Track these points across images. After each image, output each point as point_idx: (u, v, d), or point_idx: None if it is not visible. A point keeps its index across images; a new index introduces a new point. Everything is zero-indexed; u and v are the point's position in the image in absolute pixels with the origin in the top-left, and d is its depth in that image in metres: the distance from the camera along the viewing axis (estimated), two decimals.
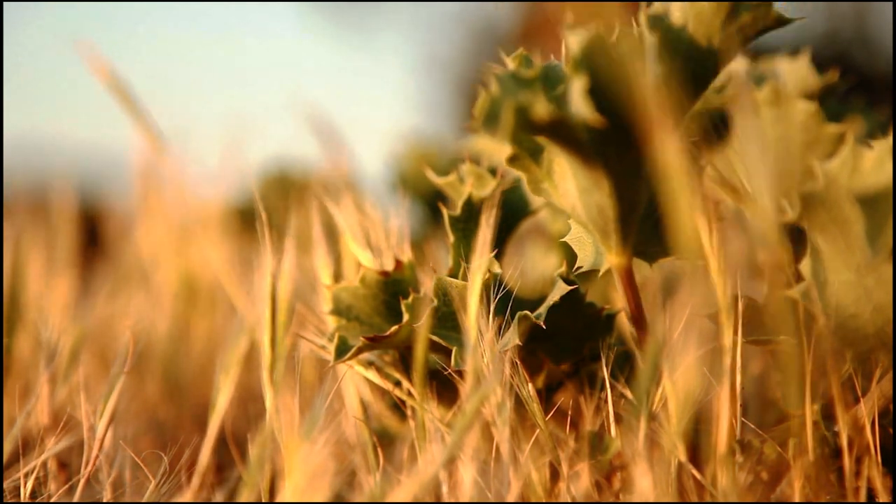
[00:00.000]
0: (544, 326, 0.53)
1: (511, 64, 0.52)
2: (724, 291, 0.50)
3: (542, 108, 0.47)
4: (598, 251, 0.54)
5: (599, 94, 0.48)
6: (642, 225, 0.54)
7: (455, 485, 0.51)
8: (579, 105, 0.47)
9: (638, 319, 0.53)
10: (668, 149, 0.46)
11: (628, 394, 0.55)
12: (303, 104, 0.95)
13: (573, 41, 0.48)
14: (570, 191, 0.52)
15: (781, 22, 0.52)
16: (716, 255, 0.50)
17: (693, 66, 0.51)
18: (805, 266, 0.51)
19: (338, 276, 0.61)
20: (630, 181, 0.51)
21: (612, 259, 0.53)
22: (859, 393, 0.53)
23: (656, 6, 0.51)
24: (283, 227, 0.58)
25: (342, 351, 0.56)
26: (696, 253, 0.49)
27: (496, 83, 0.49)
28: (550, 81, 0.50)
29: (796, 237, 0.53)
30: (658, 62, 0.49)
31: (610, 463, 0.54)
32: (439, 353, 0.57)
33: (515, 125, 0.47)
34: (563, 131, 0.49)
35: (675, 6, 0.51)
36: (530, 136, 0.52)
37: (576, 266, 0.55)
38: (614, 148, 0.50)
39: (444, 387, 0.58)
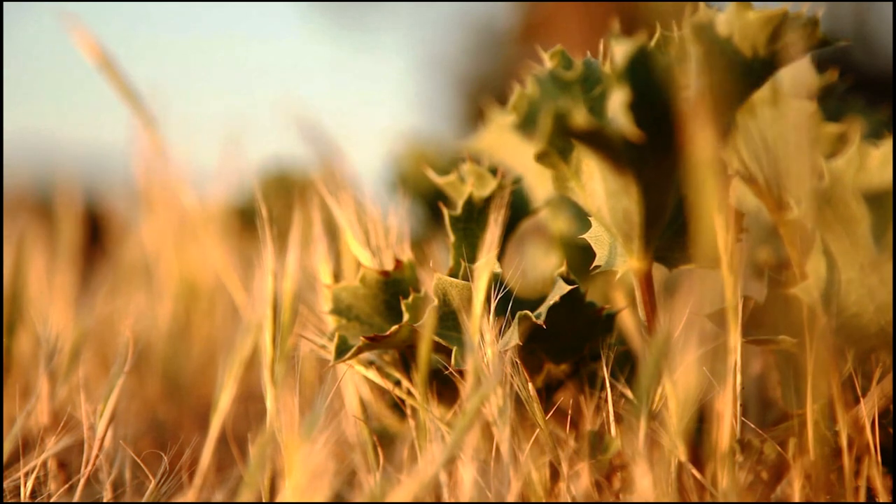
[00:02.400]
0: (544, 326, 0.53)
1: (549, 62, 0.51)
2: (733, 291, 0.50)
3: (581, 117, 0.47)
4: (616, 252, 0.54)
5: (639, 105, 0.47)
6: (665, 231, 0.54)
7: (455, 485, 0.51)
8: (619, 117, 0.47)
9: (652, 324, 0.53)
10: (706, 163, 0.45)
11: (628, 394, 0.55)
12: (296, 107, 0.95)
13: (618, 51, 0.48)
14: (597, 192, 0.52)
15: (825, 43, 0.51)
16: (729, 256, 0.50)
17: (736, 79, 0.51)
18: (810, 265, 0.51)
19: (337, 276, 0.61)
20: (659, 188, 0.51)
21: (632, 263, 0.53)
22: (859, 393, 0.53)
23: (700, 15, 0.50)
24: (284, 226, 0.58)
25: (342, 351, 0.56)
26: (719, 262, 0.49)
27: (534, 83, 0.48)
28: (588, 83, 0.50)
29: (802, 235, 0.53)
30: (701, 75, 0.48)
31: (610, 463, 0.54)
32: (439, 352, 0.57)
33: (553, 131, 0.47)
34: (600, 140, 0.49)
35: (720, 18, 0.50)
36: (564, 137, 0.51)
37: (593, 265, 0.54)
38: (649, 158, 0.49)
39: (445, 386, 0.58)
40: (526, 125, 0.47)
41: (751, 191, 0.57)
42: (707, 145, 0.46)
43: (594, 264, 0.54)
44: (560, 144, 0.52)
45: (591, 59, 0.51)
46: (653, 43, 0.51)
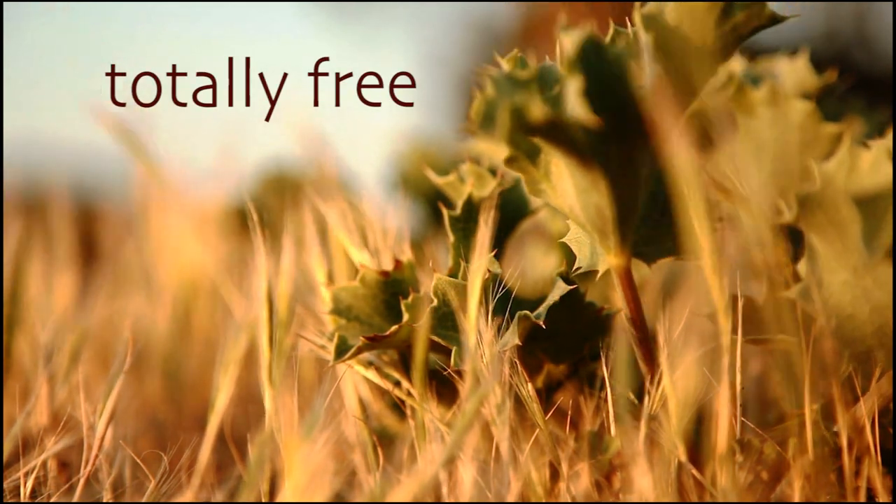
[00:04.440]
0: (544, 326, 0.53)
1: (506, 65, 0.52)
2: (719, 291, 0.50)
3: (537, 109, 0.47)
4: (596, 251, 0.54)
5: (595, 94, 0.48)
6: (641, 225, 0.54)
7: (455, 485, 0.51)
8: (575, 106, 0.47)
9: (636, 320, 0.53)
10: (674, 148, 0.46)
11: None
12: (292, 109, 0.95)
13: (567, 41, 0.48)
14: (567, 191, 0.52)
15: (775, 20, 0.52)
16: (712, 254, 0.50)
17: (689, 65, 0.51)
18: (803, 267, 0.51)
19: (331, 276, 0.61)
20: (627, 181, 0.51)
21: (610, 260, 0.53)
22: (859, 393, 0.53)
23: (650, 6, 0.51)
24: (281, 227, 0.58)
25: (342, 351, 0.56)
26: (699, 253, 0.49)
27: (491, 84, 0.48)
28: (546, 82, 0.50)
29: (794, 238, 0.53)
30: (654, 62, 0.49)
31: (610, 463, 0.54)
32: (439, 352, 0.57)
33: (511, 126, 0.47)
34: (559, 132, 0.49)
35: (668, 6, 0.51)
36: (527, 137, 0.51)
37: (574, 267, 0.55)
38: (611, 148, 0.50)
39: (444, 386, 0.58)
40: (485, 125, 0.48)
41: (727, 201, 0.57)
42: (672, 135, 0.46)
43: (575, 266, 0.55)
44: (527, 147, 0.52)
45: (548, 61, 0.51)
46: (608, 39, 0.52)
